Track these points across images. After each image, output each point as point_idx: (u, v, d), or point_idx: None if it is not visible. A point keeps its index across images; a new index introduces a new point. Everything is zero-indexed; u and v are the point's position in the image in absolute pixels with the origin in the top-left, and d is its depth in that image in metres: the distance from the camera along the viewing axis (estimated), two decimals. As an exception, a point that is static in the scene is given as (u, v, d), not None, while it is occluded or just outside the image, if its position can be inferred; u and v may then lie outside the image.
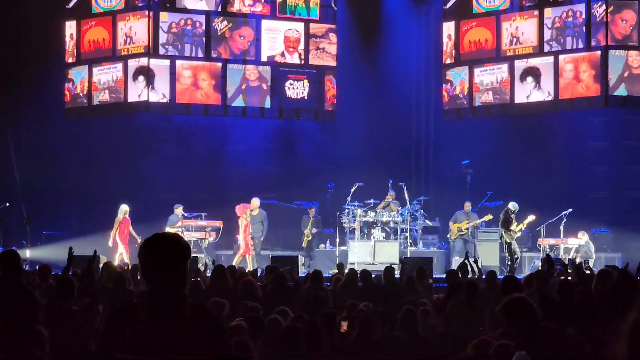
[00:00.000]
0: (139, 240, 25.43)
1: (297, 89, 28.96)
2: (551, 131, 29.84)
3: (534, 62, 28.00)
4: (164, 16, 27.67)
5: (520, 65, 28.24)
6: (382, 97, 30.61)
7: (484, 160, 28.92)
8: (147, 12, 27.34)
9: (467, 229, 26.16)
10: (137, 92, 27.71)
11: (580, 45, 27.04)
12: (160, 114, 28.57)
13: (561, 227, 25.48)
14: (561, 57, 27.49)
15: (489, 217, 26.27)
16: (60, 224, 28.61)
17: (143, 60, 27.55)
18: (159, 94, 27.77)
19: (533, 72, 28.00)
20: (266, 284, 13.72)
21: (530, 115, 28.68)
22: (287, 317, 9.02)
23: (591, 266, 22.34)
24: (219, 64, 28.24)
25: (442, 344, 9.87)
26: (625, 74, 26.85)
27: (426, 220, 27.73)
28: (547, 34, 27.60)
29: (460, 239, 26.16)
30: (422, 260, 21.34)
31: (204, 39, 28.17)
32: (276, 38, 28.95)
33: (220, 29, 28.19)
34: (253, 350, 7.38)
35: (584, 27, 26.95)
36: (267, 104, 28.72)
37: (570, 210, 25.51)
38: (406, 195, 26.76)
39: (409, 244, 26.42)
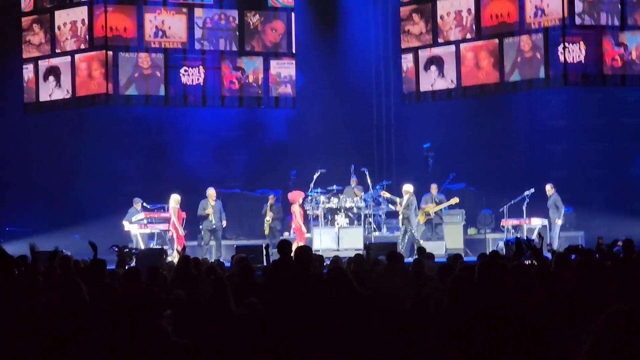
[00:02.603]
0: (182, 234, 25.55)
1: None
2: (509, 112, 29.99)
3: (437, 51, 28.13)
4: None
5: (424, 55, 28.31)
6: (342, 82, 30.59)
7: (445, 143, 28.99)
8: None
9: (435, 212, 26.16)
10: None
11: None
12: (119, 106, 28.36)
13: (524, 208, 25.61)
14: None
15: (456, 200, 26.32)
16: (23, 220, 28.42)
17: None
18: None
19: (436, 61, 28.09)
20: (232, 274, 13.46)
21: (488, 97, 28.71)
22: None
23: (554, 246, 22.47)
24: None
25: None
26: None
27: (389, 205, 27.77)
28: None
29: (429, 223, 26.18)
30: (387, 245, 21.33)
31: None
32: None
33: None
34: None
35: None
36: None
37: (532, 190, 25.65)
38: (369, 181, 26.82)
39: (373, 229, 26.49)
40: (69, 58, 27.67)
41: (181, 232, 25.13)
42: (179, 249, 16.62)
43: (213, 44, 28.25)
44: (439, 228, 26.17)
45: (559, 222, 25.48)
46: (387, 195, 26.55)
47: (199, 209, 25.59)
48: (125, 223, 25.24)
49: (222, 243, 26.02)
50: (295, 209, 25.84)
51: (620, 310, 4.69)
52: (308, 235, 26.00)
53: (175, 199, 25.38)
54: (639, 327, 4.36)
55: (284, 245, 11.90)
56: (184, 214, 25.37)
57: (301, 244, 22.99)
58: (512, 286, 7.44)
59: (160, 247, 23.73)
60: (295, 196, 26.06)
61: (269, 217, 26.56)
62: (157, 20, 27.71)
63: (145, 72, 27.61)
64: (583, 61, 26.21)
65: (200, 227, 26.32)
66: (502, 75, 27.40)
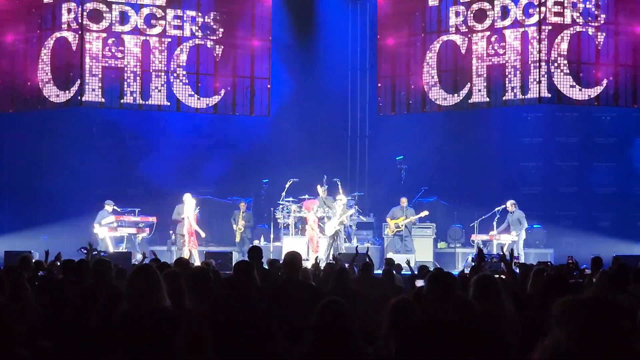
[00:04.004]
0: (203, 236, 25.52)
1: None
2: (484, 127, 30.07)
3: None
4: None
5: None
6: (318, 92, 30.55)
7: (419, 156, 29.02)
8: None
9: (405, 225, 26.15)
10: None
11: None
12: (93, 109, 28.23)
13: (494, 223, 25.66)
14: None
15: (425, 212, 26.33)
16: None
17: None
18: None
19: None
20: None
21: (464, 111, 28.78)
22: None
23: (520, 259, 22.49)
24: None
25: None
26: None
27: (360, 216, 27.76)
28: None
29: (397, 235, 26.17)
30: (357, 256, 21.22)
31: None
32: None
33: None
34: None
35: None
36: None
37: (503, 206, 25.72)
38: (341, 191, 26.77)
39: (343, 239, 26.44)
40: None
41: (202, 234, 25.23)
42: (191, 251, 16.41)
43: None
44: (408, 240, 26.16)
45: (520, 238, 25.56)
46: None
47: (174, 213, 25.47)
48: (96, 225, 25.10)
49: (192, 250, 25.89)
50: (310, 217, 25.73)
51: (575, 301, 4.71)
52: (347, 244, 25.91)
53: (192, 203, 25.38)
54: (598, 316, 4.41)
55: (255, 253, 11.87)
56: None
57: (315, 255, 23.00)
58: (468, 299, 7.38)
59: (128, 250, 23.63)
60: (310, 205, 25.97)
61: (241, 225, 26.46)
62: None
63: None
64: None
65: (171, 232, 26.22)
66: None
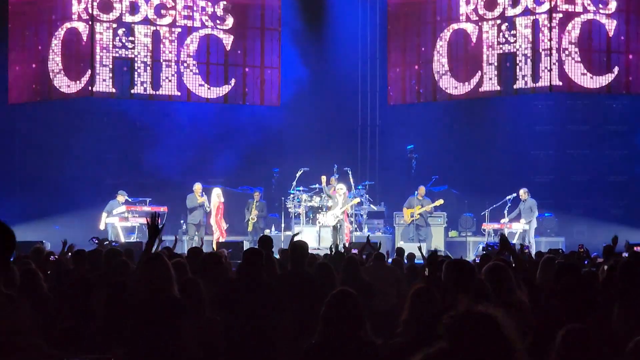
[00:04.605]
0: (226, 226, 25.80)
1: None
2: (495, 116, 30.01)
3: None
4: None
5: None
6: (327, 81, 30.49)
7: (430, 145, 28.99)
8: None
9: (420, 214, 26.09)
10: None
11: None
12: (103, 99, 28.28)
13: (505, 212, 25.60)
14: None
15: (441, 201, 26.27)
16: (2, 210, 28.25)
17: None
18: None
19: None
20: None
21: (475, 100, 28.73)
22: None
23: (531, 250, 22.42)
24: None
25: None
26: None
27: (371, 205, 27.73)
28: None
29: (413, 225, 26.11)
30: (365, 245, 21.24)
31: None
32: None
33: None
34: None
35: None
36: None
37: (515, 195, 25.66)
38: (351, 180, 26.76)
39: (354, 228, 26.43)
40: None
41: (223, 225, 25.31)
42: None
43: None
44: (423, 230, 26.11)
45: (531, 226, 25.50)
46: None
47: (188, 202, 25.52)
48: (103, 215, 25.12)
49: (204, 239, 25.91)
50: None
51: (573, 329, 4.78)
52: (358, 233, 25.95)
53: (216, 193, 25.46)
54: (590, 344, 4.47)
55: (266, 242, 11.87)
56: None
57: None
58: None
59: (139, 240, 23.63)
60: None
61: (254, 215, 26.42)
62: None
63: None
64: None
65: (182, 221, 26.27)
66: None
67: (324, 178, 25.84)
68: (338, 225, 25.00)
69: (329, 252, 15.53)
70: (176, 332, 7.38)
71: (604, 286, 8.70)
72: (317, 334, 6.49)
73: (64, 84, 27.33)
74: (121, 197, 25.53)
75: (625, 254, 13.97)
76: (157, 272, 7.69)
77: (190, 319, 7.49)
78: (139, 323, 7.58)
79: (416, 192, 26.31)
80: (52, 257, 13.17)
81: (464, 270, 6.85)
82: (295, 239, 11.35)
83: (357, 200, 26.19)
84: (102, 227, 24.95)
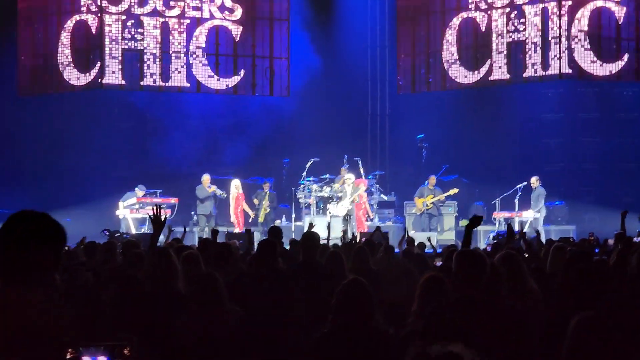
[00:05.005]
0: (253, 216, 26.02)
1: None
2: (505, 104, 29.97)
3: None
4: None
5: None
6: (337, 71, 30.48)
7: (440, 134, 28.96)
8: None
9: (432, 203, 26.09)
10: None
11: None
12: (113, 91, 28.32)
13: (516, 201, 25.58)
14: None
15: (455, 190, 26.28)
16: (13, 202, 28.29)
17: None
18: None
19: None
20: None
21: (484, 89, 28.69)
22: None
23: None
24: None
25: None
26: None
27: (382, 195, 27.73)
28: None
29: (426, 214, 26.10)
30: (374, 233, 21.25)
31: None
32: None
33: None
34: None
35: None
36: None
37: (525, 183, 25.65)
38: (362, 170, 26.76)
39: (366, 218, 26.43)
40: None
41: (241, 217, 25.39)
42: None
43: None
44: (435, 220, 26.11)
45: (540, 215, 25.51)
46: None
47: (199, 193, 25.56)
48: (120, 204, 25.23)
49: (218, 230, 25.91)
50: (363, 195, 25.85)
51: (585, 317, 4.78)
52: (369, 223, 25.98)
53: (235, 185, 25.52)
54: (602, 332, 4.48)
55: (276, 232, 11.91)
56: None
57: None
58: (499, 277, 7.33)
59: (150, 232, 23.64)
60: (360, 182, 26.06)
61: (266, 206, 26.41)
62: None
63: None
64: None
65: (193, 213, 26.30)
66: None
67: (344, 170, 26.08)
68: (347, 216, 24.99)
69: (339, 243, 15.53)
70: (176, 326, 7.44)
71: (615, 273, 8.67)
72: (328, 323, 6.51)
73: (74, 77, 27.36)
74: (139, 191, 25.54)
75: (636, 239, 13.95)
76: (162, 266, 7.78)
77: (195, 314, 7.53)
78: (143, 316, 7.65)
79: (427, 182, 26.32)
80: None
81: (475, 262, 6.82)
82: (312, 229, 11.38)
83: (363, 189, 26.13)
84: (120, 216, 25.14)
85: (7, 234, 4.19)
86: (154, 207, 8.19)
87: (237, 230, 24.60)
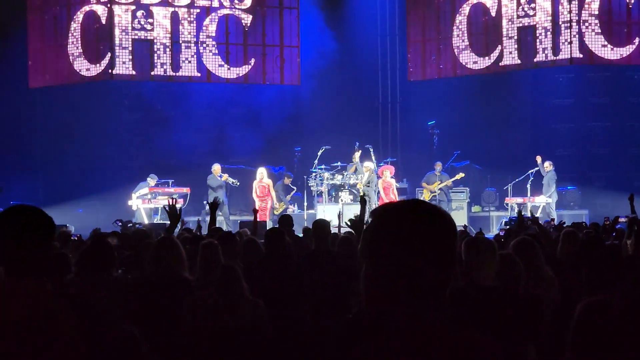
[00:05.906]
0: (278, 207, 25.80)
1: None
2: (516, 89, 29.93)
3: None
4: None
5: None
6: (347, 59, 30.43)
7: (451, 120, 28.92)
8: None
9: (440, 189, 26.13)
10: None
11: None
12: (124, 81, 28.37)
13: (528, 186, 25.59)
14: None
15: (461, 175, 26.32)
16: (26, 193, 28.40)
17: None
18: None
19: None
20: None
21: (495, 74, 28.65)
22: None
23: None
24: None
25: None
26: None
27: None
28: None
29: (435, 200, 26.11)
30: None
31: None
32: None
33: None
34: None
35: None
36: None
37: (537, 168, 25.66)
38: (373, 157, 26.75)
39: (376, 205, 26.40)
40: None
41: (257, 204, 25.31)
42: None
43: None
44: (444, 205, 26.10)
45: (552, 200, 25.54)
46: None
47: (211, 182, 25.56)
48: (133, 195, 25.31)
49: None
50: (381, 185, 25.84)
51: (592, 302, 4.78)
52: None
53: (260, 172, 25.59)
54: (608, 316, 4.49)
55: (286, 221, 12.00)
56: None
57: None
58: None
59: (163, 222, 23.71)
60: (385, 169, 26.01)
61: (286, 202, 26.30)
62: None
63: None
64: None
65: (205, 202, 26.31)
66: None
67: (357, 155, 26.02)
68: (367, 198, 24.96)
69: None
70: (180, 313, 7.51)
71: (628, 259, 8.66)
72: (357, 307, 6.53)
73: (84, 67, 27.43)
74: (152, 180, 25.59)
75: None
76: (167, 253, 7.88)
77: (199, 301, 7.59)
78: (146, 302, 7.74)
79: (435, 169, 26.38)
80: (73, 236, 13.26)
81: (484, 249, 6.82)
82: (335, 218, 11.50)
83: (373, 175, 26.07)
84: (134, 207, 25.20)
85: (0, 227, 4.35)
86: (169, 199, 8.24)
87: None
